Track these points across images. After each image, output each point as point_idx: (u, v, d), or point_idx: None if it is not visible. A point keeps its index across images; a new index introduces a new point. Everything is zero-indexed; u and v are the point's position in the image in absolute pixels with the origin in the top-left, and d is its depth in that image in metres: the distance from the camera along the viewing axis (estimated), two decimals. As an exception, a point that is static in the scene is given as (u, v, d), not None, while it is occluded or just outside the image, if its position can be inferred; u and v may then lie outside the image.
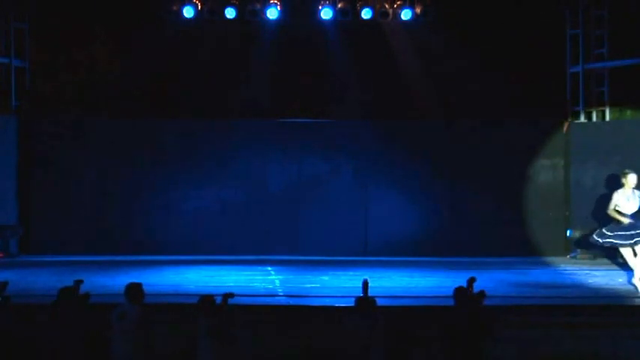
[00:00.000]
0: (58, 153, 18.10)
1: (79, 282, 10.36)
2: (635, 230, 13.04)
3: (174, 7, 17.82)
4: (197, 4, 17.88)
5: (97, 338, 10.22)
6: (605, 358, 11.31)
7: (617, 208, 13.24)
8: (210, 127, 18.35)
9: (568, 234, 18.16)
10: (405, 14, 18.01)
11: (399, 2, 18.08)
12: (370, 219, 18.29)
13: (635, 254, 13.12)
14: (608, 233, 13.23)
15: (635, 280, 13.19)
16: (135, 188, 18.08)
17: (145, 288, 10.17)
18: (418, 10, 18.00)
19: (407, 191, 18.19)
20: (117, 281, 12.85)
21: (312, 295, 12.97)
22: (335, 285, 13.91)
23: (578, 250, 17.90)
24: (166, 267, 16.02)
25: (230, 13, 17.90)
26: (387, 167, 18.28)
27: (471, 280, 10.37)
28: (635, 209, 13.18)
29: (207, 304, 9.76)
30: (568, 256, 17.97)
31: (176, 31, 18.05)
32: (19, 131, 18.16)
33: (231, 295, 9.95)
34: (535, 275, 15.32)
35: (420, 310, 11.55)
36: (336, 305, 11.80)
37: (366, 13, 17.99)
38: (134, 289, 10.02)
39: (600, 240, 13.37)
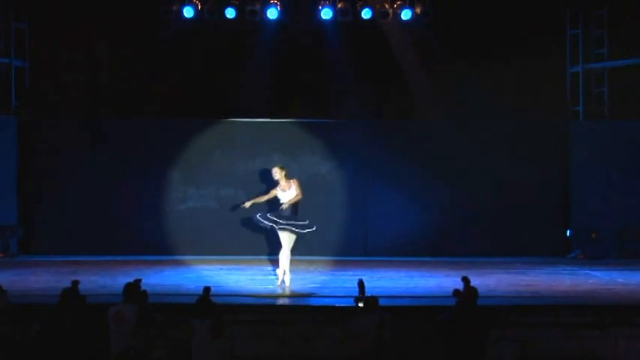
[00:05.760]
0: (58, 153, 18.09)
1: (76, 282, 10.37)
2: (293, 219, 13.51)
3: (174, 7, 17.83)
4: (197, 4, 17.88)
5: (97, 337, 10.24)
6: (605, 358, 11.32)
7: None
8: (209, 127, 18.34)
9: (568, 234, 18.16)
10: (405, 14, 18.01)
11: (399, 2, 18.08)
12: (370, 219, 18.29)
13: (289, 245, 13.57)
14: (271, 217, 13.53)
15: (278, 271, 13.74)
16: (135, 188, 18.07)
17: (145, 288, 10.18)
18: (418, 10, 18.01)
19: (407, 191, 18.19)
20: (117, 281, 12.85)
21: (312, 295, 12.99)
22: (335, 285, 13.92)
23: (578, 250, 17.91)
24: (166, 267, 16.03)
25: (230, 13, 17.90)
26: (387, 167, 18.28)
27: (465, 280, 10.42)
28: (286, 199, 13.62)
29: (203, 305, 9.76)
30: (568, 256, 17.99)
31: (176, 31, 18.05)
32: (19, 131, 18.17)
33: (209, 288, 10.04)
34: (535, 275, 15.32)
35: (420, 310, 11.56)
36: (337, 305, 11.81)
37: (366, 13, 17.99)
38: (131, 289, 10.02)
39: (262, 219, 13.53)
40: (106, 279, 14.08)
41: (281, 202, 13.72)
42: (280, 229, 13.46)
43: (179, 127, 18.32)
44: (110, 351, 9.86)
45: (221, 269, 15.84)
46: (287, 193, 13.69)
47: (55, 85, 18.64)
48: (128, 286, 10.05)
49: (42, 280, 14.13)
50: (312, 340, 11.35)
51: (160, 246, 17.85)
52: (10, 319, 10.73)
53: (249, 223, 17.85)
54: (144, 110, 18.62)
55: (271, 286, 13.81)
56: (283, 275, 13.66)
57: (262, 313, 11.63)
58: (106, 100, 18.66)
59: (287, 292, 13.26)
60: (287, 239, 13.57)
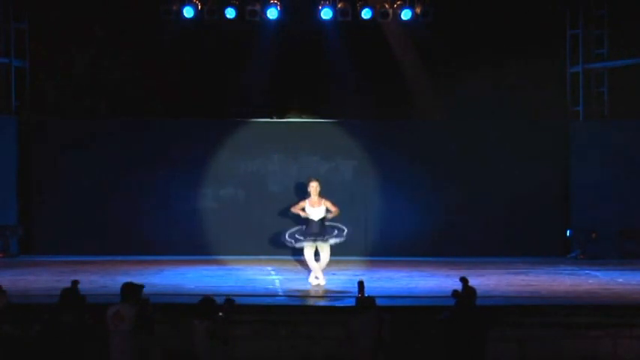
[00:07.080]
0: (57, 153, 18.08)
1: (76, 282, 10.36)
2: (322, 235, 13.70)
3: (174, 7, 17.81)
4: (197, 4, 17.86)
5: (96, 338, 10.23)
6: (605, 358, 11.32)
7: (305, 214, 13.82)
8: (210, 127, 18.35)
9: (568, 234, 18.16)
10: (405, 14, 17.99)
11: (399, 2, 18.07)
12: (370, 219, 18.27)
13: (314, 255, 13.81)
14: (300, 237, 13.73)
15: (310, 279, 13.85)
16: (135, 188, 18.06)
17: (146, 288, 10.17)
18: (418, 10, 17.99)
19: (407, 191, 18.18)
20: (117, 281, 12.84)
21: (312, 295, 12.99)
22: (335, 285, 13.92)
23: (578, 250, 17.91)
24: (166, 267, 16.03)
25: (230, 13, 17.88)
26: (386, 167, 18.27)
27: (464, 280, 10.43)
28: (320, 216, 13.71)
29: (206, 306, 9.75)
30: (568, 256, 17.98)
31: (176, 31, 18.05)
32: (19, 131, 18.17)
33: (232, 301, 10.02)
34: (535, 275, 15.33)
35: (420, 310, 11.56)
36: (337, 305, 11.81)
37: (366, 13, 17.97)
38: (129, 289, 10.00)
39: (293, 242, 13.81)
40: (106, 279, 14.08)
41: (309, 217, 13.75)
42: (320, 241, 13.69)
43: (179, 127, 18.32)
44: (110, 351, 9.85)
45: (221, 269, 15.84)
46: (316, 209, 13.72)
47: (55, 85, 18.64)
48: (126, 286, 10.02)
49: (42, 280, 14.14)
50: (312, 340, 11.34)
51: (160, 246, 17.84)
52: (10, 319, 10.72)
53: (249, 223, 17.98)
54: (144, 110, 18.61)
55: (271, 286, 13.81)
56: (317, 276, 13.80)
57: (262, 313, 11.63)
58: (106, 100, 18.65)
59: (320, 292, 13.35)
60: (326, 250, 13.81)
